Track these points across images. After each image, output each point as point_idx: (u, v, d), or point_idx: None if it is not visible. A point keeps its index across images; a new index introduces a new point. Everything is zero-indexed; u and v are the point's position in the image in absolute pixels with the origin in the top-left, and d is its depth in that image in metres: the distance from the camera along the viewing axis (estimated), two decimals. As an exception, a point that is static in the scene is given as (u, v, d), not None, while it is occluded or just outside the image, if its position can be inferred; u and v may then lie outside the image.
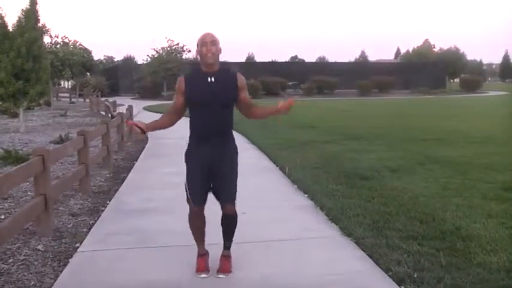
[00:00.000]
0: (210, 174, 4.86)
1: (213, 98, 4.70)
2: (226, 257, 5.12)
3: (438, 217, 6.70)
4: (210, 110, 4.72)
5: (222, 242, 5.15)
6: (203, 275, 4.99)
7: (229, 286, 4.85)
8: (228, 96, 4.79)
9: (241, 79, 4.88)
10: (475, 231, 6.08)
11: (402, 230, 6.19)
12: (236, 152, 5.01)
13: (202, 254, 5.15)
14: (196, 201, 4.89)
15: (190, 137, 4.92)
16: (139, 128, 4.76)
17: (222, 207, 4.95)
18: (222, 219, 5.01)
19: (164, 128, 5.05)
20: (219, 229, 5.07)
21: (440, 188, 8.45)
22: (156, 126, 4.99)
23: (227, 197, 4.91)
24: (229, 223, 5.03)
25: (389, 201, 7.56)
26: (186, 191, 4.95)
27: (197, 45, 4.76)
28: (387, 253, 5.42)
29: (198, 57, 4.80)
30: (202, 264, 5.08)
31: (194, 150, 4.88)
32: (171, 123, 5.03)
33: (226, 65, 4.95)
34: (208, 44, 4.67)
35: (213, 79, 4.73)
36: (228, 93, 4.78)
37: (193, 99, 4.78)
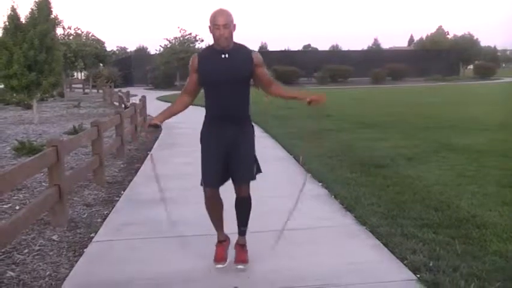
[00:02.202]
0: (226, 154, 4.72)
1: (227, 74, 4.54)
2: (241, 245, 5.06)
3: (453, 205, 6.66)
4: (225, 88, 4.58)
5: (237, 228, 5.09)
6: (219, 265, 4.93)
7: (243, 276, 4.83)
8: (242, 71, 4.62)
9: (257, 56, 4.70)
10: (490, 219, 6.04)
11: (417, 219, 6.16)
12: (253, 132, 4.88)
13: (221, 241, 5.07)
14: (209, 182, 4.76)
15: (206, 117, 4.80)
16: (155, 125, 4.71)
17: (236, 189, 4.85)
18: (235, 202, 4.93)
19: (178, 113, 4.93)
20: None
21: (455, 176, 8.40)
22: (170, 113, 4.88)
23: (240, 179, 4.79)
24: (242, 205, 4.93)
25: (404, 189, 7.53)
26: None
27: (210, 22, 4.52)
28: (402, 242, 5.39)
29: (211, 35, 4.59)
30: (221, 253, 5.00)
31: (209, 130, 4.76)
32: (185, 106, 4.91)
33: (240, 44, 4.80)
34: (221, 27, 4.45)
35: (227, 55, 4.58)
36: (242, 69, 4.62)
37: (206, 76, 4.64)
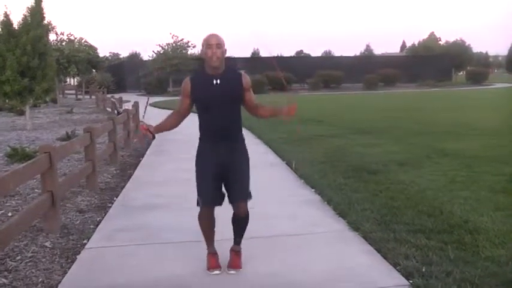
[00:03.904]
0: (221, 175, 4.81)
1: (219, 100, 4.67)
2: (236, 252, 5.13)
3: (446, 210, 6.68)
4: (217, 112, 4.70)
5: (233, 237, 5.15)
6: (216, 272, 5.00)
7: (237, 282, 4.84)
8: (233, 95, 4.74)
9: (246, 79, 4.83)
10: (482, 225, 6.06)
11: (410, 224, 6.17)
12: (246, 152, 4.96)
13: (213, 253, 5.14)
14: (206, 201, 4.84)
15: (200, 139, 4.90)
16: (150, 133, 4.80)
17: (234, 207, 4.90)
18: (233, 218, 5.00)
19: (170, 129, 5.03)
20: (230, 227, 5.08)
21: (447, 181, 8.43)
22: (163, 127, 4.98)
23: (238, 197, 4.85)
24: (241, 222, 5.01)
25: (396, 195, 7.54)
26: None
27: (202, 45, 4.70)
28: (395, 247, 5.40)
29: (204, 57, 4.72)
30: (213, 261, 5.08)
31: (204, 152, 4.85)
32: (177, 124, 5.02)
33: (231, 65, 4.88)
34: (213, 46, 4.59)
35: (218, 81, 4.70)
36: (233, 93, 4.74)
37: (199, 102, 4.76)
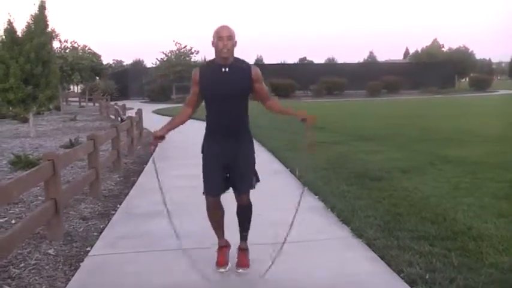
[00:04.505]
0: (226, 165, 4.91)
1: (226, 88, 4.73)
2: (243, 250, 5.22)
3: (449, 217, 6.67)
4: (224, 101, 4.76)
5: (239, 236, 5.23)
6: (221, 269, 5.11)
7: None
8: (241, 86, 4.79)
9: (255, 70, 4.88)
10: (486, 231, 6.04)
11: (413, 231, 6.16)
12: (252, 144, 5.04)
13: (222, 246, 5.23)
14: (211, 191, 4.94)
15: (206, 129, 4.97)
16: (161, 137, 4.91)
17: (237, 198, 5.03)
18: (237, 210, 5.11)
19: (181, 123, 5.09)
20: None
21: (451, 188, 8.41)
22: (174, 124, 5.04)
23: (240, 189, 4.98)
24: (243, 213, 5.11)
25: (400, 201, 7.53)
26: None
27: (213, 37, 4.73)
28: (399, 254, 5.39)
29: (214, 49, 4.77)
30: (222, 257, 5.18)
31: (210, 142, 4.93)
32: (188, 117, 5.07)
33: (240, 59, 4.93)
34: (224, 38, 4.66)
35: (227, 69, 4.75)
36: (241, 84, 4.79)
37: (207, 89, 4.82)
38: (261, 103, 5.09)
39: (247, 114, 4.96)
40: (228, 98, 4.75)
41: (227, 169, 4.94)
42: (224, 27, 4.71)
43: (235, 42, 4.76)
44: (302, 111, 4.87)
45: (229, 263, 5.19)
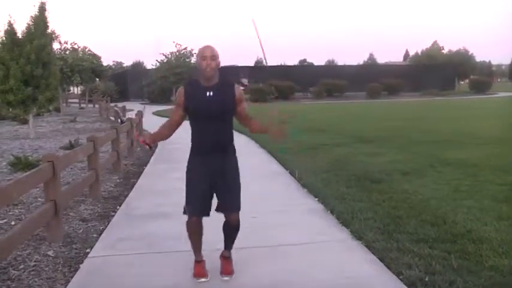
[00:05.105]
0: (211, 186, 4.83)
1: (211, 111, 4.71)
2: (226, 258, 5.16)
3: (449, 220, 6.67)
4: (210, 123, 4.74)
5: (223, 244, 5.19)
6: (202, 279, 5.05)
7: (240, 291, 4.84)
8: (225, 108, 4.78)
9: (239, 91, 4.88)
10: (486, 234, 6.04)
11: (413, 233, 6.16)
12: (237, 163, 5.00)
13: (200, 261, 5.16)
14: (197, 211, 4.85)
15: (192, 149, 4.92)
16: (147, 144, 4.94)
17: (226, 217, 4.95)
18: (224, 226, 5.03)
19: (165, 139, 5.17)
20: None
21: (451, 190, 8.41)
22: (158, 137, 5.12)
23: (231, 208, 4.90)
24: (232, 231, 5.05)
25: (400, 204, 7.53)
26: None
27: (197, 56, 4.80)
28: (398, 256, 5.39)
29: (198, 67, 4.80)
30: (200, 270, 5.11)
31: (195, 162, 4.87)
32: (170, 134, 5.12)
33: (225, 77, 4.92)
34: (208, 58, 4.68)
35: (211, 93, 4.74)
36: (226, 106, 4.78)
37: (192, 113, 4.81)
38: (241, 123, 5.07)
39: (231, 131, 4.93)
40: (213, 119, 4.74)
41: (212, 189, 4.85)
42: (207, 47, 4.74)
43: (219, 62, 4.77)
44: (271, 127, 4.94)
45: (207, 274, 5.10)
